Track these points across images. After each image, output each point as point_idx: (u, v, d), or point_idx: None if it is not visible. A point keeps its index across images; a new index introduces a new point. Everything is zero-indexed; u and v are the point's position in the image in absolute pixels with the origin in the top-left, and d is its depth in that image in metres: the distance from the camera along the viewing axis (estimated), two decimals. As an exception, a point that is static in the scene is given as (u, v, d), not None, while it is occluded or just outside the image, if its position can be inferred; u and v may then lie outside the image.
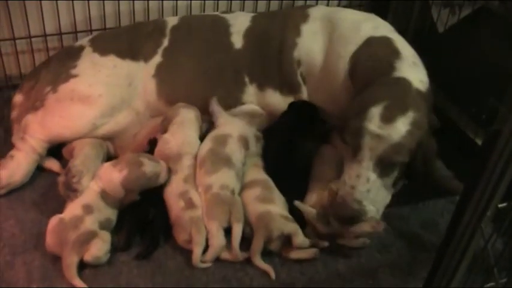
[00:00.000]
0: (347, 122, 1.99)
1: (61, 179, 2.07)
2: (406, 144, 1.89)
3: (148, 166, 2.03)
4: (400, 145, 1.88)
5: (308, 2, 3.01)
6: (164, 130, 2.25)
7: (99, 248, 1.87)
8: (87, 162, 2.12)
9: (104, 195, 2.01)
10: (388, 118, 1.89)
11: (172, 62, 2.40)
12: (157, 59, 2.40)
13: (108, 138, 2.30)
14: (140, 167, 2.02)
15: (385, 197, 1.97)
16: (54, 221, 1.92)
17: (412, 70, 2.07)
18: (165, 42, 2.43)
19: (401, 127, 1.88)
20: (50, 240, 1.89)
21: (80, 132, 2.24)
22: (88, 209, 1.95)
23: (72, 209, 1.96)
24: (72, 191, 2.02)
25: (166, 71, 2.39)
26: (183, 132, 2.21)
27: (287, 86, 2.39)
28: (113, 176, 2.01)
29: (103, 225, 1.95)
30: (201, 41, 2.44)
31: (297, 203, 2.02)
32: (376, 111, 1.90)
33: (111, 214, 2.01)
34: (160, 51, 2.41)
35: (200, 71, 2.40)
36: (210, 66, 2.41)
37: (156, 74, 2.39)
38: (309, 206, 2.02)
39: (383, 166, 1.91)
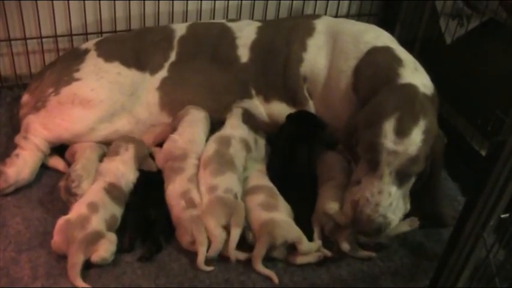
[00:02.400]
0: (358, 134, 1.99)
1: (62, 184, 2.10)
2: (422, 153, 1.89)
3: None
4: (417, 157, 1.89)
5: (317, 10, 3.03)
6: (173, 129, 2.28)
7: (106, 249, 1.88)
8: (88, 166, 2.14)
9: (110, 189, 2.05)
10: (402, 132, 1.88)
11: (178, 76, 2.41)
12: (163, 73, 2.41)
13: (107, 143, 2.30)
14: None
15: (404, 204, 1.99)
16: (61, 221, 1.93)
17: (415, 75, 2.07)
18: (173, 56, 2.44)
19: (416, 139, 1.88)
20: (57, 239, 1.90)
21: (78, 135, 2.26)
22: (93, 207, 1.96)
23: (78, 208, 1.97)
24: (72, 196, 2.05)
25: (171, 85, 2.40)
26: (191, 130, 2.23)
27: (294, 100, 2.40)
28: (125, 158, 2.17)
29: (109, 224, 1.96)
30: (207, 55, 2.44)
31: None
32: (389, 126, 1.89)
33: (117, 211, 2.02)
34: (167, 65, 2.42)
35: (206, 85, 2.42)
36: (216, 80, 2.42)
37: (160, 86, 2.40)
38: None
39: (401, 177, 1.92)
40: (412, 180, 1.97)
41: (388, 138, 1.89)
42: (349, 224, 1.97)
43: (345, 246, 1.97)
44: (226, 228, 1.95)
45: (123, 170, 2.13)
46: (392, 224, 1.94)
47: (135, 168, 2.17)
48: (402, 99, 1.96)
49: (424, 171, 1.96)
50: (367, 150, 1.95)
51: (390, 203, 1.92)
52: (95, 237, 1.88)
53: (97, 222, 1.92)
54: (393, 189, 1.92)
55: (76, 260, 1.83)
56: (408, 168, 1.90)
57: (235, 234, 1.93)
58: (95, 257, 1.86)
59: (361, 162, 2.01)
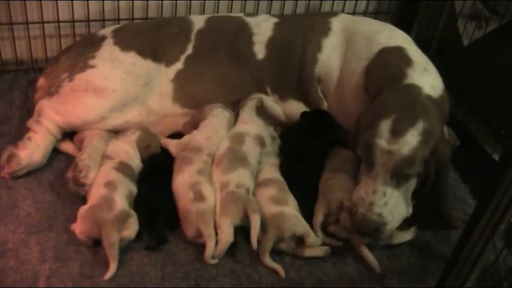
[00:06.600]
0: (359, 135, 1.99)
1: (69, 175, 2.10)
2: (419, 155, 1.87)
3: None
4: (412, 158, 1.86)
5: (335, 7, 3.02)
6: (195, 126, 2.27)
7: (135, 229, 1.91)
8: (94, 155, 2.14)
9: (121, 167, 2.07)
10: (397, 132, 1.87)
11: (194, 70, 2.41)
12: (179, 65, 2.41)
13: (117, 132, 2.31)
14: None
15: (402, 206, 1.95)
16: (82, 211, 1.93)
17: (423, 76, 2.05)
18: (189, 49, 2.43)
19: (411, 140, 1.86)
20: (84, 227, 1.89)
21: (89, 123, 2.27)
22: (111, 185, 1.98)
23: (96, 192, 1.98)
24: (80, 186, 2.06)
25: (186, 78, 2.40)
26: (213, 128, 2.22)
27: (308, 100, 2.40)
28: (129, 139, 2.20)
29: (129, 200, 1.99)
30: (224, 50, 2.44)
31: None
32: (385, 126, 1.88)
33: (132, 187, 2.05)
34: (183, 58, 2.42)
35: (221, 80, 2.41)
36: (231, 76, 2.42)
37: (175, 79, 2.40)
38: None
39: (398, 178, 1.91)
40: (412, 182, 1.94)
41: (383, 138, 1.88)
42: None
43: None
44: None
45: (130, 150, 2.16)
46: (389, 225, 1.92)
47: (137, 151, 2.19)
48: (403, 100, 1.95)
49: (427, 174, 1.93)
50: (364, 150, 1.94)
51: (385, 202, 1.90)
52: (124, 216, 1.90)
53: (121, 200, 1.95)
54: (388, 189, 1.91)
55: (113, 239, 1.84)
56: (403, 169, 1.88)
57: (255, 220, 1.93)
58: (125, 234, 1.88)
59: (362, 164, 2.01)
